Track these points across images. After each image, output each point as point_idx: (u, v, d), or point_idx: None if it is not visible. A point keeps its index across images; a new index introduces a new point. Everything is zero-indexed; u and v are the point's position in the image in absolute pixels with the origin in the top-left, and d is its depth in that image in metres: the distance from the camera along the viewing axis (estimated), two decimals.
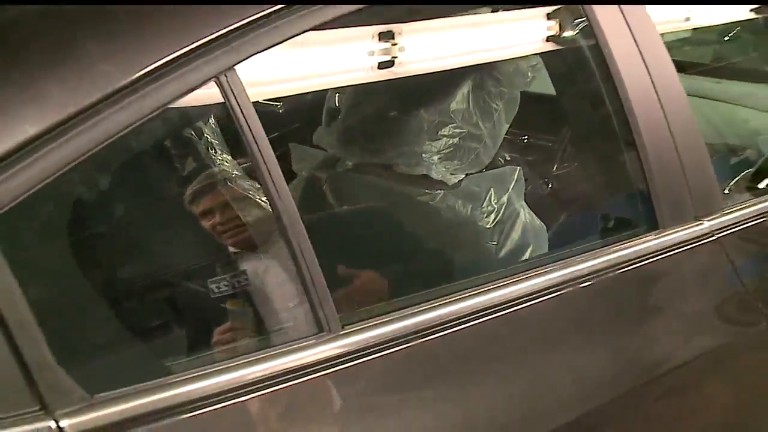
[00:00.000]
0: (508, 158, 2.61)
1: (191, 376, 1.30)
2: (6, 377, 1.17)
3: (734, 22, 3.14)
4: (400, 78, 2.05)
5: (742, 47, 3.41)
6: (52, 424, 1.15)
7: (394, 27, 1.84)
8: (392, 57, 1.88)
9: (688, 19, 2.73)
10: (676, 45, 2.51)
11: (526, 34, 2.29)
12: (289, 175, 2.10)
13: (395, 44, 1.87)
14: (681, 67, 2.32)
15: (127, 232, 1.81)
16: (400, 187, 2.23)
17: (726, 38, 3.42)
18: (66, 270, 1.48)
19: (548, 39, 2.26)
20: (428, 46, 2.03)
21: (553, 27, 2.21)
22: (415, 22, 1.89)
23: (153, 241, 1.89)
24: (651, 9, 2.22)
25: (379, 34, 1.81)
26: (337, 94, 2.38)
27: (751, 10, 2.96)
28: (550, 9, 2.20)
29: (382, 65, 1.87)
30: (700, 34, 3.16)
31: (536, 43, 2.29)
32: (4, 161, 1.16)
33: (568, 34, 2.22)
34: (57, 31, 1.38)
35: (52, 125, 1.19)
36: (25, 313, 1.17)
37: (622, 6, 2.07)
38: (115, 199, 1.77)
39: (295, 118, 2.48)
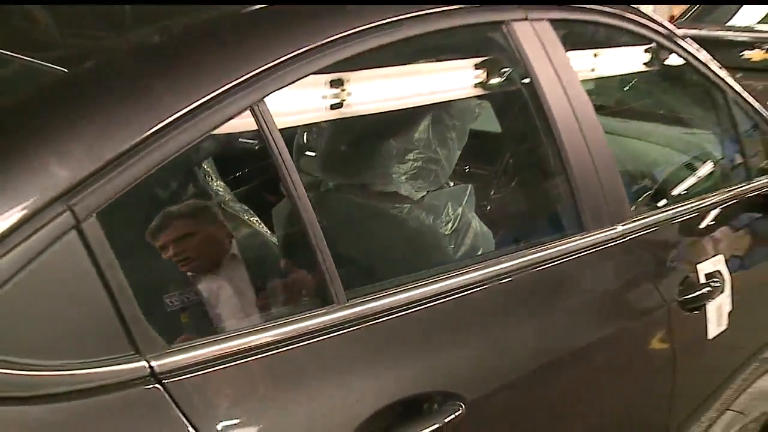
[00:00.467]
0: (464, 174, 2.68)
1: (232, 334, 1.42)
2: (112, 331, 1.28)
3: (633, 73, 3.29)
4: (374, 114, 2.22)
5: (640, 93, 3.60)
6: (145, 363, 1.26)
7: (363, 72, 1.97)
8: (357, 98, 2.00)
9: (593, 70, 2.89)
10: (588, 90, 2.71)
11: (475, 78, 2.41)
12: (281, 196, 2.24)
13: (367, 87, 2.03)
14: (600, 111, 2.45)
15: None
16: (375, 202, 2.32)
17: (626, 87, 3.57)
18: (150, 255, 1.62)
19: (493, 83, 2.40)
20: (385, 91, 2.17)
21: (496, 72, 2.36)
22: (378, 68, 2.02)
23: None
24: (573, 61, 2.35)
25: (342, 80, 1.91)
26: (305, 132, 2.45)
27: (644, 63, 3.09)
28: (494, 57, 2.32)
29: (337, 106, 1.98)
30: (605, 82, 3.34)
31: (482, 86, 2.42)
32: (101, 171, 1.27)
33: (509, 78, 2.34)
34: (134, 72, 1.50)
35: (132, 145, 1.31)
36: (125, 285, 1.28)
37: (550, 56, 2.20)
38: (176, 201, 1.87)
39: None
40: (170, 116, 1.37)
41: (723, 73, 3.06)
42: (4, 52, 1.73)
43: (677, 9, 15.63)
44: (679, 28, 6.51)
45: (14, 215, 1.18)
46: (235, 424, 1.38)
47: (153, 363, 1.28)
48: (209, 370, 1.37)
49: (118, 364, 1.26)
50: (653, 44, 2.94)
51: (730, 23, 7.30)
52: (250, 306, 1.82)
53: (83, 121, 1.34)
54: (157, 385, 1.28)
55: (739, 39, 6.53)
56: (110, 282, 1.26)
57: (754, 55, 6.17)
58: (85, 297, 1.26)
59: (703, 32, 6.50)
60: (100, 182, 1.27)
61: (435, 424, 1.60)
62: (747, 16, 7.44)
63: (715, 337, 2.60)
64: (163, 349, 1.31)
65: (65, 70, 1.49)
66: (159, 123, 1.35)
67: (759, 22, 7.26)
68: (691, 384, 2.71)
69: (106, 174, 1.28)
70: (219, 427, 1.34)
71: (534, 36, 2.19)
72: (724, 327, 2.63)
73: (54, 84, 1.48)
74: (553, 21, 2.28)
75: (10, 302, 1.17)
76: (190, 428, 1.30)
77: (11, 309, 1.18)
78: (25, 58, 1.66)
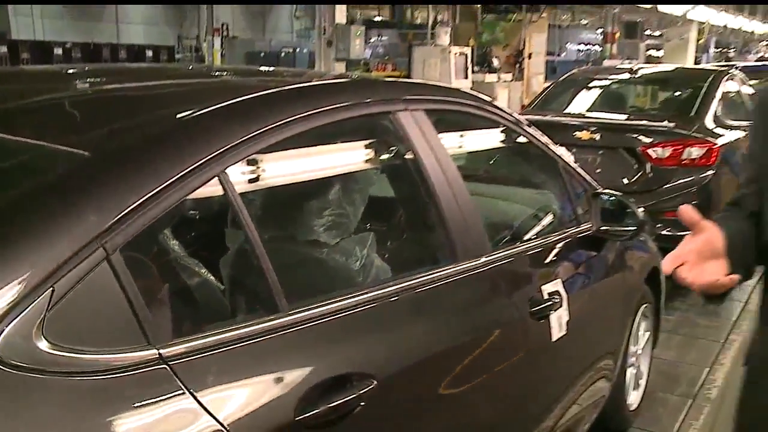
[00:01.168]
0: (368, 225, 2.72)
1: (216, 331, 1.57)
2: (128, 326, 1.42)
3: (490, 149, 3.52)
4: (299, 182, 2.38)
5: (496, 164, 3.82)
6: (155, 351, 1.42)
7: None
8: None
9: (460, 147, 3.12)
10: (459, 162, 2.87)
11: (372, 154, 2.66)
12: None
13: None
14: (465, 176, 2.59)
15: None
16: (301, 248, 2.42)
17: (484, 160, 3.79)
18: (154, 276, 1.75)
19: (384, 158, 2.63)
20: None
21: (386, 149, 2.59)
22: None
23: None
24: (443, 140, 2.53)
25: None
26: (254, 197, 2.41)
27: (500, 142, 3.34)
28: (385, 138, 2.54)
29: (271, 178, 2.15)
30: (469, 156, 3.52)
31: (377, 160, 2.66)
32: (120, 222, 1.43)
33: (396, 154, 2.55)
34: (142, 154, 1.64)
35: (140, 203, 1.47)
36: (139, 297, 1.43)
37: (426, 136, 2.39)
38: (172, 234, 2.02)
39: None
40: (162, 184, 1.54)
41: (557, 149, 3.29)
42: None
43: (527, 99, 16.09)
44: (528, 114, 6.81)
45: (71, 248, 1.35)
46: (218, 390, 1.51)
47: (161, 351, 1.44)
48: (199, 356, 1.52)
49: (137, 351, 1.42)
50: (505, 128, 3.11)
51: (566, 111, 7.48)
52: (229, 312, 1.99)
53: (107, 188, 1.52)
54: (164, 365, 1.44)
55: (573, 123, 6.68)
56: (129, 295, 1.42)
57: (583, 135, 6.31)
58: (114, 305, 1.42)
59: (546, 117, 6.68)
60: (120, 229, 1.44)
61: (355, 392, 1.74)
62: (578, 105, 7.69)
63: (557, 340, 2.75)
64: (167, 341, 1.48)
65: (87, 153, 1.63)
66: (156, 187, 1.53)
67: (587, 110, 7.52)
68: (542, 377, 2.86)
69: (122, 224, 1.45)
70: (206, 391, 1.48)
71: (413, 122, 2.37)
72: (564, 332, 2.78)
73: (83, 163, 1.60)
74: (427, 110, 2.47)
75: (70, 309, 1.33)
76: (186, 392, 1.44)
77: (72, 313, 1.34)
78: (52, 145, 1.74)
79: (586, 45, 42.55)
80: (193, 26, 26.78)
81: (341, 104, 2.17)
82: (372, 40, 28.38)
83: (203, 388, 1.47)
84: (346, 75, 4.65)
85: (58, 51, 20.82)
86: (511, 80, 18.16)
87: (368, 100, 2.31)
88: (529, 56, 19.47)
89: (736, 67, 9.85)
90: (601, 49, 27.52)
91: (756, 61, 31.37)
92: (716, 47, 40.44)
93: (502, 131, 3.24)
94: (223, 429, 1.43)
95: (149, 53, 23.38)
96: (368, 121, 2.40)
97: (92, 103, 2.16)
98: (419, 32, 22.61)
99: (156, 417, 1.39)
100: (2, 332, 1.23)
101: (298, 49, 24.12)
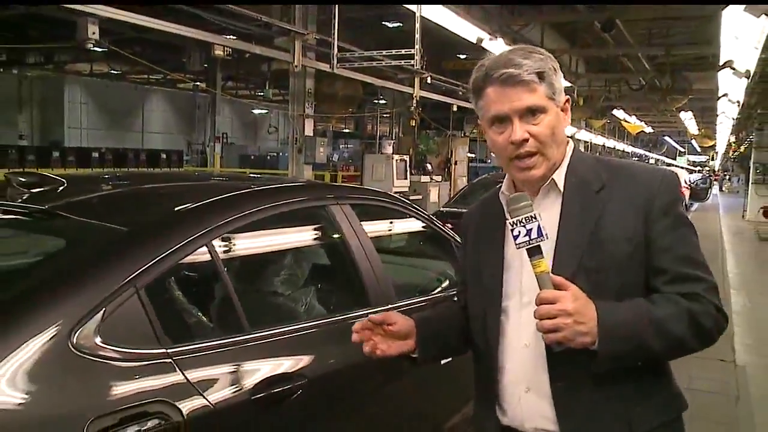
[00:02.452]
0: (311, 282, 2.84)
1: (201, 341, 1.83)
2: (148, 334, 1.67)
3: (401, 232, 3.70)
4: (264, 252, 2.60)
5: (407, 243, 3.95)
6: (165, 350, 1.68)
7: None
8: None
9: (378, 230, 3.22)
10: (377, 239, 2.89)
11: (314, 234, 2.83)
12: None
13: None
14: (379, 250, 2.74)
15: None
16: (263, 295, 2.62)
17: (399, 240, 3.91)
18: (171, 300, 2.03)
19: (322, 237, 2.81)
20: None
21: (324, 231, 2.75)
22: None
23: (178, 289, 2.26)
24: (365, 225, 2.67)
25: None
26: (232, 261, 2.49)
27: (407, 226, 3.51)
28: (323, 224, 2.68)
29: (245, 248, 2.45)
30: (384, 235, 3.56)
31: (317, 238, 2.85)
32: (154, 266, 1.73)
33: (330, 234, 2.69)
34: (153, 231, 1.97)
35: (160, 258, 1.78)
36: (155, 317, 1.69)
37: (351, 223, 2.57)
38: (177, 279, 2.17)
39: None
40: (172, 248, 1.85)
41: (449, 231, 3.44)
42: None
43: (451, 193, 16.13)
44: (450, 207, 7.06)
45: (116, 284, 1.66)
46: (202, 376, 1.75)
47: (167, 350, 1.71)
48: (191, 355, 1.77)
49: (153, 349, 1.69)
50: (410, 216, 3.27)
51: None
52: (212, 330, 2.19)
53: (140, 248, 1.81)
54: (168, 360, 1.70)
55: None
56: (149, 315, 1.70)
57: None
58: (139, 321, 1.69)
59: (462, 210, 6.97)
60: (144, 275, 1.73)
61: (293, 384, 1.96)
62: None
63: (446, 363, 2.50)
64: (171, 345, 1.74)
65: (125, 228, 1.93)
66: (168, 250, 1.83)
67: None
68: (437, 393, 2.94)
69: (147, 272, 1.73)
70: (194, 376, 1.72)
71: (342, 212, 2.58)
72: (450, 358, 2.60)
73: (124, 234, 1.89)
74: (352, 204, 2.67)
75: (115, 321, 1.63)
76: (182, 374, 1.69)
77: (116, 324, 1.63)
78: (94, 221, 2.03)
79: None
80: (200, 134, 27.11)
81: (294, 200, 2.44)
82: (341, 147, 28.82)
83: (191, 373, 1.74)
84: (299, 180, 4.91)
85: (95, 155, 21.24)
86: (441, 181, 18.48)
87: (311, 197, 2.58)
88: (455, 163, 19.95)
89: None
90: None
91: None
92: None
93: (409, 219, 3.41)
94: (204, 398, 1.73)
95: (164, 156, 23.66)
96: (312, 212, 2.61)
97: (127, 198, 2.43)
98: (372, 142, 22.96)
99: (159, 386, 1.66)
100: (78, 332, 1.57)
101: (280, 154, 24.25)
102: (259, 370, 1.94)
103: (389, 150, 16.82)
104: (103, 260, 1.77)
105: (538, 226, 1.35)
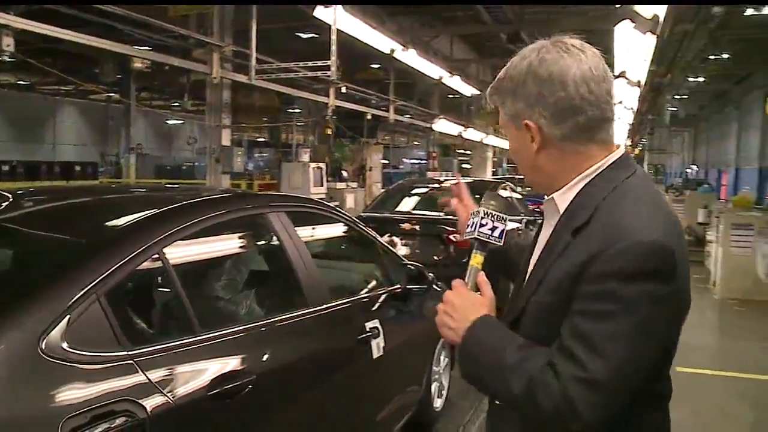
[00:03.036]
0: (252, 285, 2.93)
1: (160, 343, 1.91)
2: (110, 337, 1.74)
3: (332, 237, 3.78)
4: (207, 258, 2.66)
5: (337, 246, 4.07)
6: (126, 351, 1.76)
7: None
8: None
9: (311, 235, 3.32)
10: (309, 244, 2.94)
11: (253, 240, 2.92)
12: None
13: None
14: (313, 254, 2.88)
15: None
16: (208, 299, 2.69)
17: (327, 242, 3.98)
18: (130, 306, 2.03)
19: (260, 242, 2.93)
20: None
21: (262, 237, 2.86)
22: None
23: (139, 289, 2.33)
24: (298, 231, 2.77)
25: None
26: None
27: (339, 231, 3.60)
28: (260, 230, 2.77)
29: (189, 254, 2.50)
30: (317, 240, 3.66)
31: (255, 244, 2.96)
32: (112, 274, 1.79)
33: (268, 239, 2.81)
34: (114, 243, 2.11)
35: (117, 267, 1.85)
36: (113, 319, 1.76)
37: (286, 228, 2.68)
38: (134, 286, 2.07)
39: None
40: (127, 257, 1.92)
41: (376, 236, 3.66)
42: None
43: (369, 201, 16.48)
44: (368, 212, 7.21)
45: (79, 293, 1.72)
46: (162, 375, 1.83)
47: (129, 352, 1.79)
48: (151, 356, 1.85)
49: (115, 352, 1.76)
50: (340, 222, 3.46)
51: (395, 209, 7.80)
52: (168, 332, 2.26)
53: (98, 259, 1.87)
54: (130, 361, 1.78)
55: (400, 218, 7.06)
56: (110, 320, 1.77)
57: (407, 226, 6.73)
58: (101, 326, 1.76)
59: (381, 215, 7.13)
60: (104, 283, 1.79)
61: (243, 380, 2.07)
62: (403, 205, 8.04)
63: (377, 358, 3.02)
64: (131, 347, 1.81)
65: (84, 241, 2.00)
66: (124, 259, 1.90)
67: (410, 209, 7.89)
68: (367, 384, 3.12)
69: (105, 280, 1.80)
70: (154, 375, 1.80)
71: (278, 219, 2.71)
72: (381, 353, 3.06)
73: (82, 246, 1.97)
74: (287, 212, 2.80)
75: (79, 327, 1.68)
76: (143, 374, 1.76)
77: (80, 329, 1.69)
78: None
79: (417, 160, 43.75)
80: (113, 145, 26.35)
81: (233, 208, 2.54)
82: (256, 156, 28.58)
83: (151, 373, 1.83)
84: (236, 190, 4.95)
85: (6, 168, 20.36)
86: (357, 187, 18.71)
87: (249, 206, 2.69)
88: (370, 169, 20.14)
89: (513, 180, 10.78)
90: (426, 163, 28.61)
91: None
92: (508, 163, 42.59)
93: (338, 224, 3.59)
94: (165, 395, 1.82)
95: (78, 168, 22.87)
96: (251, 220, 2.72)
97: (75, 210, 2.47)
98: (287, 151, 22.91)
99: (123, 386, 1.74)
100: (46, 338, 1.64)
101: (196, 164, 23.86)
102: (213, 369, 2.04)
103: (306, 158, 16.86)
104: (65, 270, 1.83)
105: (502, 230, 1.36)
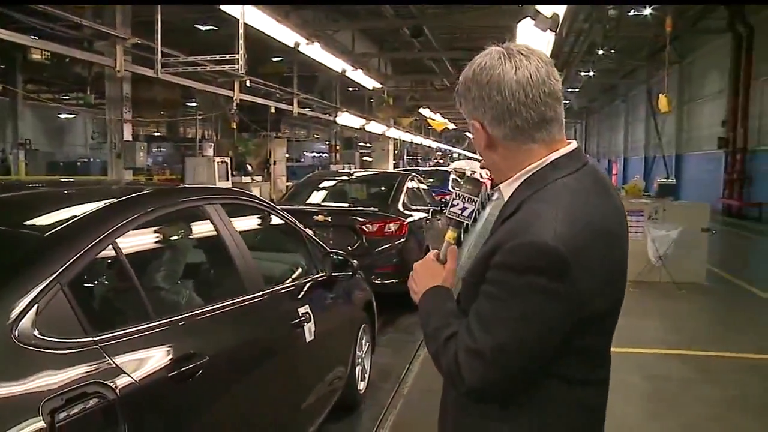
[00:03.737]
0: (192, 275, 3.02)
1: (125, 327, 1.99)
2: (75, 324, 1.81)
3: (260, 227, 3.78)
4: (152, 248, 2.69)
5: (269, 236, 4.06)
6: (91, 338, 1.84)
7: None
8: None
9: (245, 224, 3.22)
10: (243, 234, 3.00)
11: (192, 229, 3.00)
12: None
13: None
14: (246, 243, 2.97)
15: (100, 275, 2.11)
16: (164, 289, 2.71)
17: (263, 233, 3.94)
18: (92, 293, 2.12)
19: (200, 231, 2.98)
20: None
21: (201, 226, 2.90)
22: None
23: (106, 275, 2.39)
24: (233, 221, 2.88)
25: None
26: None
27: (265, 221, 3.70)
28: (201, 221, 2.83)
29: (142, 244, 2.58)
30: (248, 230, 3.49)
31: (194, 233, 3.02)
32: (73, 265, 1.86)
33: (206, 228, 2.84)
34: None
35: (76, 258, 1.93)
36: (77, 306, 1.83)
37: (222, 218, 2.80)
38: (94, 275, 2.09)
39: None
40: (85, 247, 1.99)
41: (301, 227, 3.83)
42: None
43: (274, 195, 16.45)
44: (280, 205, 7.32)
45: (44, 282, 1.80)
46: (124, 358, 1.92)
47: (94, 338, 1.87)
48: (114, 341, 1.93)
49: (80, 338, 1.84)
50: (270, 213, 3.63)
51: (307, 201, 8.04)
52: (125, 320, 2.26)
53: (60, 251, 1.93)
54: (96, 347, 1.86)
55: (312, 210, 7.17)
56: (74, 309, 1.85)
57: (319, 218, 6.86)
58: (66, 314, 1.83)
59: (293, 207, 7.13)
60: (66, 273, 1.86)
61: (196, 362, 2.17)
62: (315, 198, 8.25)
63: (310, 342, 3.20)
64: (95, 333, 1.89)
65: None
66: (81, 250, 1.98)
67: (321, 201, 8.14)
68: (302, 366, 3.28)
69: (67, 270, 1.87)
70: (118, 359, 1.89)
71: (214, 210, 2.83)
72: (313, 337, 3.24)
73: (42, 240, 2.01)
74: (222, 204, 2.92)
75: (47, 315, 1.76)
76: (108, 358, 1.85)
77: (48, 317, 1.76)
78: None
79: (319, 153, 43.79)
80: None
81: (174, 201, 2.65)
82: (153, 151, 27.81)
83: (116, 357, 1.93)
84: (177, 184, 4.94)
85: None
86: (262, 181, 18.80)
87: (188, 198, 2.80)
88: (274, 163, 20.20)
89: (417, 171, 11.11)
90: (328, 156, 28.75)
91: (432, 166, 34.21)
92: (408, 155, 43.30)
93: (268, 215, 3.76)
94: (130, 377, 1.92)
95: None
96: (188, 211, 2.82)
97: (22, 205, 2.50)
98: (190, 145, 22.51)
99: (92, 370, 1.83)
100: (17, 326, 1.72)
101: (91, 160, 22.96)
102: (169, 352, 2.16)
103: (210, 152, 16.70)
104: (31, 261, 1.90)
105: (472, 210, 1.55)
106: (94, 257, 2.07)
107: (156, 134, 32.20)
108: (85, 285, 2.17)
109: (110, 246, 2.15)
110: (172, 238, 2.91)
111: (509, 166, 1.42)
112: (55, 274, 1.87)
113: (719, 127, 20.11)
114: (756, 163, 18.30)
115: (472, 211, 1.53)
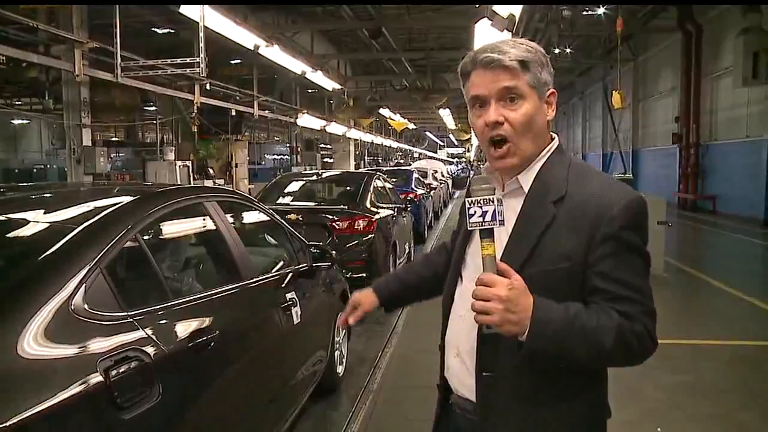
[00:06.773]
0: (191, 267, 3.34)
1: (153, 305, 2.34)
2: (113, 301, 2.16)
3: (254, 221, 4.14)
4: (164, 239, 3.05)
5: (259, 230, 4.26)
6: (126, 313, 2.19)
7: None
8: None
9: (235, 218, 3.44)
10: (237, 228, 3.25)
11: (194, 224, 3.29)
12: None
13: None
14: (240, 236, 3.30)
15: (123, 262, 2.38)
16: (177, 274, 3.09)
17: (254, 228, 4.40)
18: (127, 278, 2.45)
19: (200, 225, 3.27)
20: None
21: (202, 220, 3.21)
22: None
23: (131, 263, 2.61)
24: (228, 216, 3.19)
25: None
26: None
27: (252, 216, 4.04)
28: (202, 216, 3.14)
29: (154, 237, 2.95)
30: (239, 223, 3.92)
31: (195, 227, 3.34)
32: (107, 252, 2.24)
33: (206, 222, 3.16)
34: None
35: (102, 253, 2.39)
36: (114, 289, 2.18)
37: (219, 213, 3.13)
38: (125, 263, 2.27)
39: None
40: (118, 236, 2.36)
41: (284, 222, 4.19)
42: None
43: (255, 194, 16.58)
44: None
45: (89, 266, 2.16)
46: (154, 329, 2.26)
47: (128, 312, 2.22)
48: (145, 315, 2.28)
49: (118, 312, 2.18)
50: (258, 210, 3.97)
51: (278, 202, 8.32)
52: (151, 300, 2.51)
53: (96, 242, 2.29)
54: (130, 320, 2.20)
55: (284, 209, 7.40)
56: (113, 289, 2.20)
57: (292, 216, 7.11)
58: (107, 293, 2.18)
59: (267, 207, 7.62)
60: (104, 258, 2.21)
61: (209, 335, 2.53)
62: (286, 198, 8.56)
63: (297, 324, 3.56)
64: (130, 309, 2.24)
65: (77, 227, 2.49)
66: (115, 240, 2.38)
67: (292, 201, 8.45)
68: (293, 345, 3.66)
69: (104, 256, 2.22)
70: (148, 330, 2.23)
71: (212, 206, 3.18)
72: (299, 320, 3.60)
73: (80, 233, 2.34)
74: (218, 201, 3.27)
75: (93, 293, 2.11)
76: (141, 329, 2.20)
77: (94, 295, 2.11)
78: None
79: (280, 155, 43.75)
80: None
81: (179, 199, 3.00)
82: (112, 156, 27.58)
83: (147, 330, 2.29)
84: (178, 185, 5.20)
85: None
86: (224, 184, 18.83)
87: (191, 197, 3.15)
88: (236, 166, 20.40)
89: (381, 170, 11.46)
90: (289, 158, 28.95)
91: (393, 166, 34.61)
92: (369, 155, 43.59)
93: (257, 212, 4.14)
94: (160, 346, 2.29)
95: None
96: (191, 207, 3.16)
97: (56, 203, 2.88)
98: (150, 149, 22.50)
99: (131, 339, 2.19)
100: (73, 302, 2.08)
101: (48, 166, 22.73)
102: (188, 326, 2.55)
103: (171, 156, 16.88)
104: (78, 249, 2.27)
105: (494, 210, 1.36)
106: (124, 246, 2.45)
107: (114, 139, 31.98)
108: (118, 269, 2.51)
109: (134, 237, 2.53)
110: (184, 230, 3.31)
111: (536, 150, 1.51)
112: (96, 259, 2.24)
113: (673, 123, 20.86)
114: (709, 157, 19.07)
115: (496, 210, 1.36)
